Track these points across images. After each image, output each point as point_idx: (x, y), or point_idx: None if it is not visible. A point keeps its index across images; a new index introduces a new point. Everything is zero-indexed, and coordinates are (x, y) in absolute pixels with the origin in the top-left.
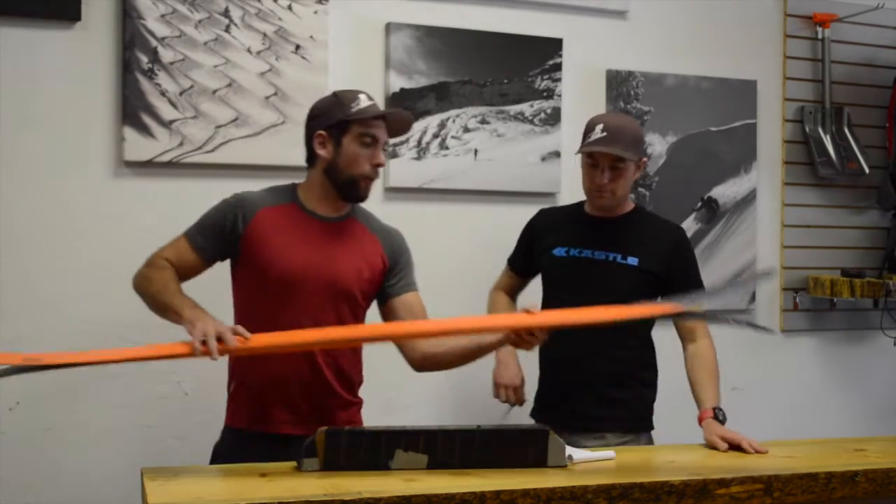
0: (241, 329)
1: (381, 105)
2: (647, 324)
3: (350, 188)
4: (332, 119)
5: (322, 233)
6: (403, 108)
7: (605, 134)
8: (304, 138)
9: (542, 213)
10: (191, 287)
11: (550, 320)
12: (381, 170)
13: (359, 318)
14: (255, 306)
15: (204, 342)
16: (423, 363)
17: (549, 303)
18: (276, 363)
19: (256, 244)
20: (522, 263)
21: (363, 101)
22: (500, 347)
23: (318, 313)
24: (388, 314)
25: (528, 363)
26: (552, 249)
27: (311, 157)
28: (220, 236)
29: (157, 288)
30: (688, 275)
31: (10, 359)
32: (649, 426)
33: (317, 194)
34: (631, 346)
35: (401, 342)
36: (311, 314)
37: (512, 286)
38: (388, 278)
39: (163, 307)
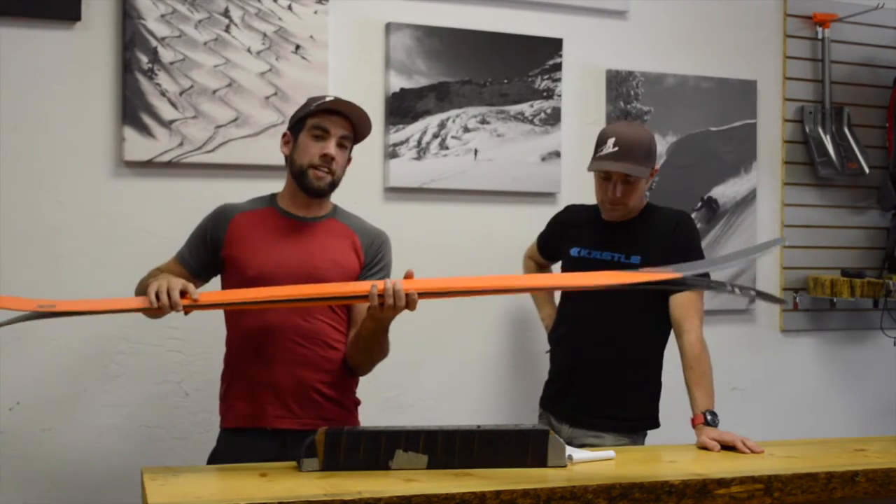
0: (190, 288)
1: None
2: (660, 340)
3: (301, 179)
4: (295, 119)
5: (298, 231)
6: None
7: (616, 149)
8: None
9: (568, 209)
10: None
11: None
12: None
13: (338, 309)
14: (239, 310)
15: (158, 297)
16: (350, 367)
17: (565, 299)
18: (268, 361)
19: (234, 247)
20: (547, 251)
21: (325, 100)
22: (372, 322)
23: (299, 307)
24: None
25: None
26: (570, 249)
27: (285, 159)
28: (202, 246)
29: (140, 286)
30: (687, 255)
31: (25, 304)
32: (650, 425)
33: (289, 195)
34: (641, 354)
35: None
36: (292, 309)
37: (539, 261)
38: (361, 275)
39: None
